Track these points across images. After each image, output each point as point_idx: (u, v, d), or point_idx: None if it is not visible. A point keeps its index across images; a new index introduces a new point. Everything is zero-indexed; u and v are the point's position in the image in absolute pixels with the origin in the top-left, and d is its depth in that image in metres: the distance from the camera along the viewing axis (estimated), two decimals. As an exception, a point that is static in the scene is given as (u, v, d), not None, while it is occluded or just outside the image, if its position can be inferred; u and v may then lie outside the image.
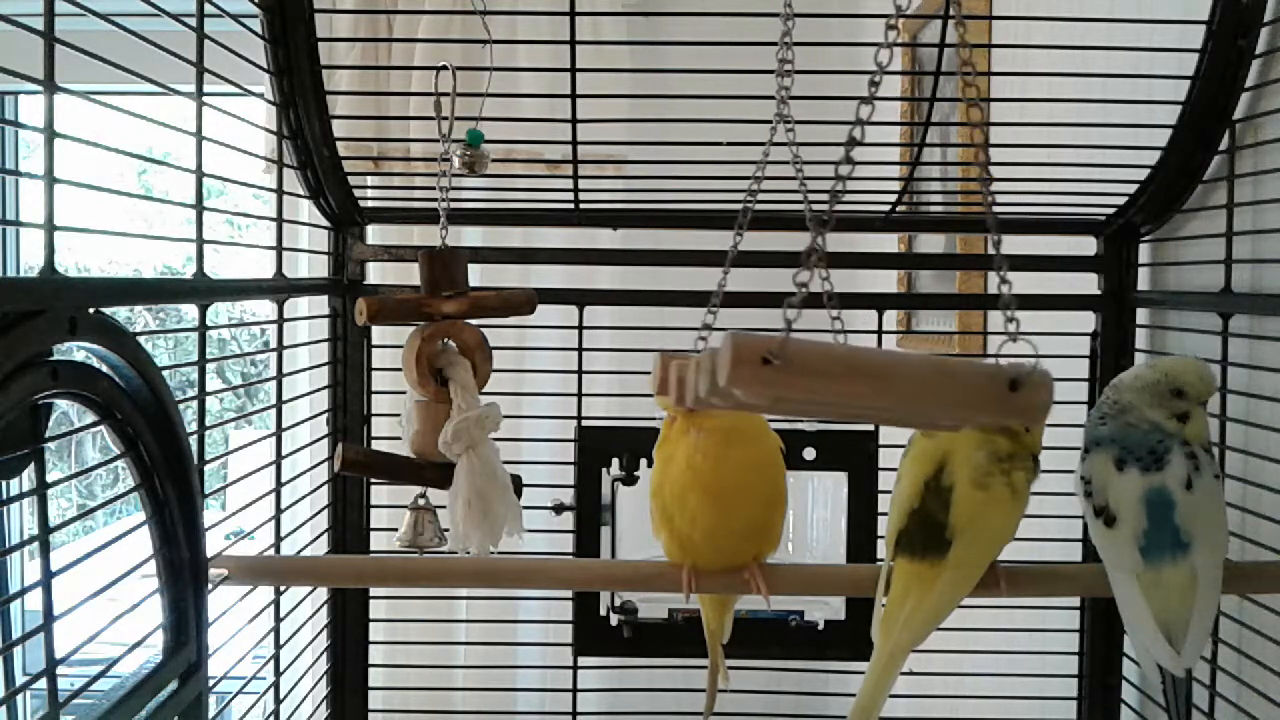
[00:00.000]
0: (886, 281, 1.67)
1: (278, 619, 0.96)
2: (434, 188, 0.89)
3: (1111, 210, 1.05)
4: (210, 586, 0.70)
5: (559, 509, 1.07)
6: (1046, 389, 0.52)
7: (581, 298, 1.11)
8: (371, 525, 1.13)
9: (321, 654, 1.11)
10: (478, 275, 1.13)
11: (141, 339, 0.62)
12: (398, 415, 0.92)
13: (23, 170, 1.75)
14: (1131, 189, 1.01)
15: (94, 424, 0.61)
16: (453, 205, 0.90)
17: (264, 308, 0.98)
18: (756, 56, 0.89)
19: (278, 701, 0.97)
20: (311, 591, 1.10)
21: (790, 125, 0.72)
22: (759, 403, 0.49)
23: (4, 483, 0.53)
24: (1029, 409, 0.51)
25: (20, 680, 0.54)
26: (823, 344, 0.50)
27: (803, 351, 0.48)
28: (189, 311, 1.05)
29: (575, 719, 1.12)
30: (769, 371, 0.47)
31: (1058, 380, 0.53)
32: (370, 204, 1.17)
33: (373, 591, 1.16)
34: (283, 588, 0.97)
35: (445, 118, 0.88)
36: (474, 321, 0.87)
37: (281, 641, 0.96)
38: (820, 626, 1.04)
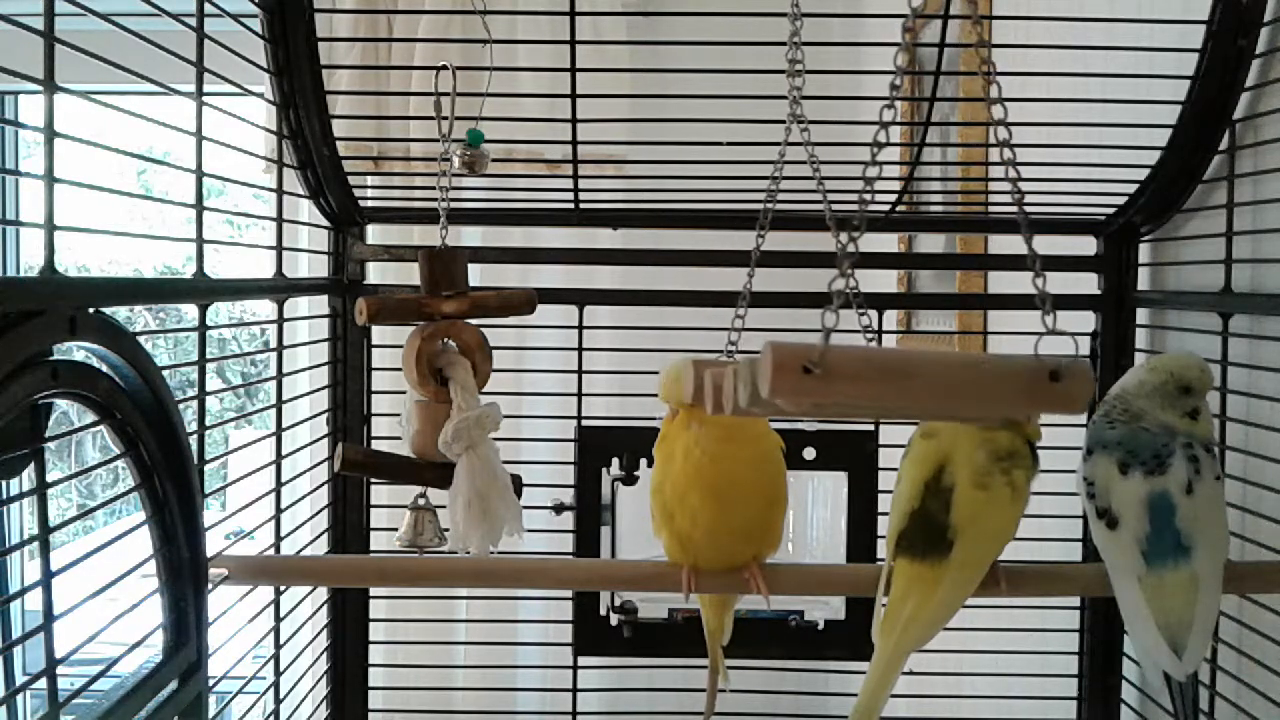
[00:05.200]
0: (886, 281, 1.67)
1: (278, 619, 0.96)
2: (434, 188, 0.89)
3: (1111, 210, 1.05)
4: (210, 586, 0.70)
5: (559, 509, 1.07)
6: (1087, 378, 0.52)
7: (581, 298, 1.11)
8: (371, 525, 1.13)
9: (321, 654, 1.11)
10: (478, 275, 1.13)
11: (141, 339, 0.62)
12: (398, 415, 0.92)
13: (23, 170, 1.75)
14: (1131, 189, 1.01)
15: (94, 424, 0.61)
16: (453, 205, 0.90)
17: (264, 308, 0.98)
18: (757, 56, 0.90)
19: (278, 701, 0.97)
20: (311, 591, 1.10)
21: (805, 125, 0.72)
22: (799, 410, 0.50)
23: (4, 483, 0.53)
24: (1071, 399, 0.52)
25: (20, 680, 0.54)
26: (861, 349, 0.50)
27: (843, 358, 0.48)
28: (189, 311, 1.05)
29: (575, 719, 1.12)
30: (810, 380, 0.47)
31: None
32: (370, 204, 1.17)
33: (373, 591, 1.16)
34: (283, 588, 0.97)
35: (445, 118, 0.88)
36: (474, 321, 0.87)
37: (281, 641, 0.96)
38: (820, 626, 1.04)
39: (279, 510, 0.97)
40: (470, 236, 1.83)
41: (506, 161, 1.81)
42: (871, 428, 1.03)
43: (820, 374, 0.47)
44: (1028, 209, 1.06)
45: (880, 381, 0.49)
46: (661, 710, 1.14)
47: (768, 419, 0.81)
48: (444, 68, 0.88)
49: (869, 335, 0.78)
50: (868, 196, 0.53)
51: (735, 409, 0.52)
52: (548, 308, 0.98)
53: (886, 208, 1.08)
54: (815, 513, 1.10)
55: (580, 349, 1.09)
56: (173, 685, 0.65)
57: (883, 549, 0.84)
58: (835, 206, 0.78)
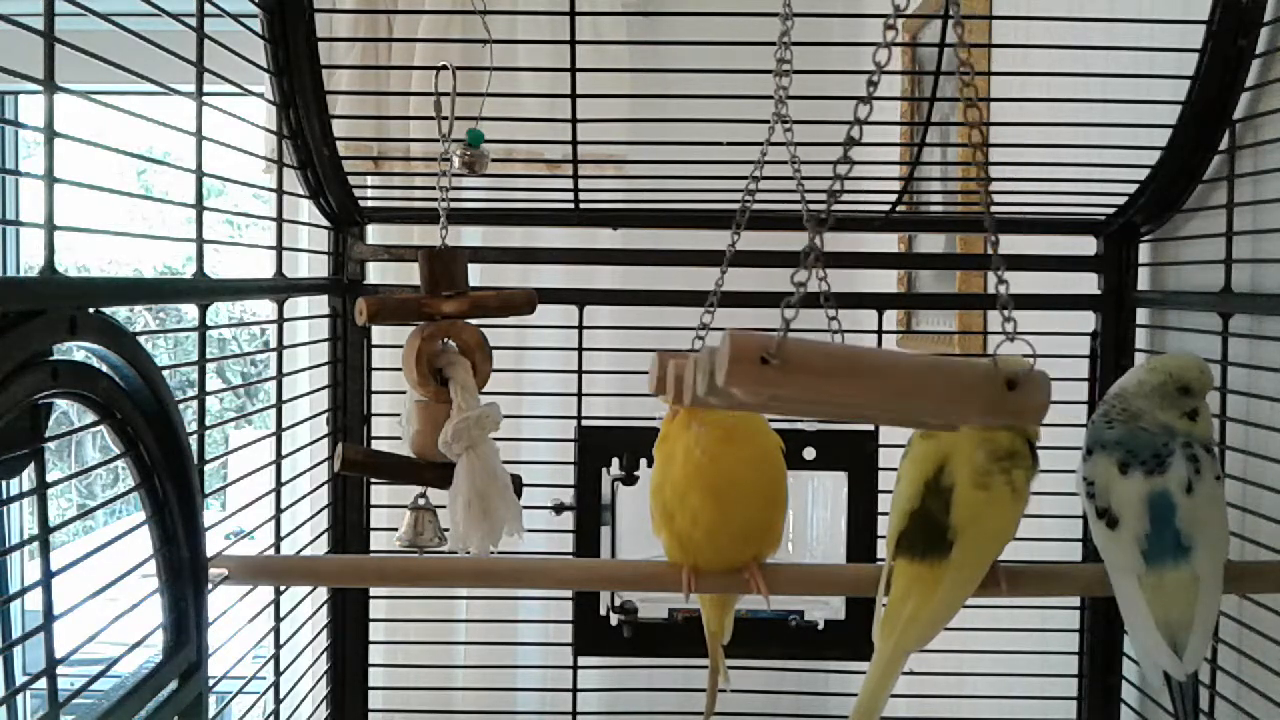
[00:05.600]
0: (886, 281, 1.67)
1: (278, 619, 0.96)
2: (434, 188, 0.89)
3: (1111, 210, 1.05)
4: (210, 586, 0.70)
5: (559, 509, 1.07)
6: (1044, 388, 0.52)
7: (581, 298, 1.11)
8: (371, 525, 1.13)
9: (321, 654, 1.11)
10: (478, 275, 1.13)
11: (141, 339, 0.62)
12: (398, 415, 0.92)
13: (23, 170, 1.75)
14: (1131, 189, 1.01)
15: (94, 424, 0.61)
16: (453, 205, 0.90)
17: (264, 308, 0.98)
18: (756, 56, 0.89)
19: (278, 701, 0.97)
20: (311, 591, 1.10)
21: (788, 125, 0.72)
22: (756, 402, 0.50)
23: (4, 483, 0.53)
24: (1027, 409, 0.52)
25: (20, 680, 0.54)
26: (820, 343, 0.50)
27: (800, 351, 0.48)
28: (189, 311, 1.05)
29: (575, 719, 1.12)
30: (767, 371, 0.47)
31: (1057, 380, 0.53)
32: (370, 204, 1.17)
33: (373, 591, 1.16)
34: (283, 588, 0.97)
35: (445, 118, 0.88)
36: (474, 321, 0.87)
37: (281, 641, 0.96)
38: (820, 626, 1.04)
39: (279, 510, 0.97)
40: (470, 236, 1.83)
41: (506, 161, 1.81)
42: (871, 428, 1.03)
43: (778, 365, 0.47)
44: (1028, 209, 1.06)
45: (839, 376, 0.49)
46: (661, 710, 1.14)
47: (767, 419, 0.81)
48: (444, 68, 0.88)
49: (836, 333, 0.77)
50: (837, 193, 0.53)
51: (694, 399, 0.52)
52: (548, 308, 0.98)
53: (886, 208, 1.08)
54: (815, 513, 1.10)
55: (580, 349, 1.09)
56: (173, 685, 0.65)
57: (883, 549, 0.84)
58: (836, 207, 0.78)
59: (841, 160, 0.53)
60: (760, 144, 0.74)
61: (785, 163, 0.76)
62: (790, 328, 0.49)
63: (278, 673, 0.96)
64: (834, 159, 0.53)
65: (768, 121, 0.73)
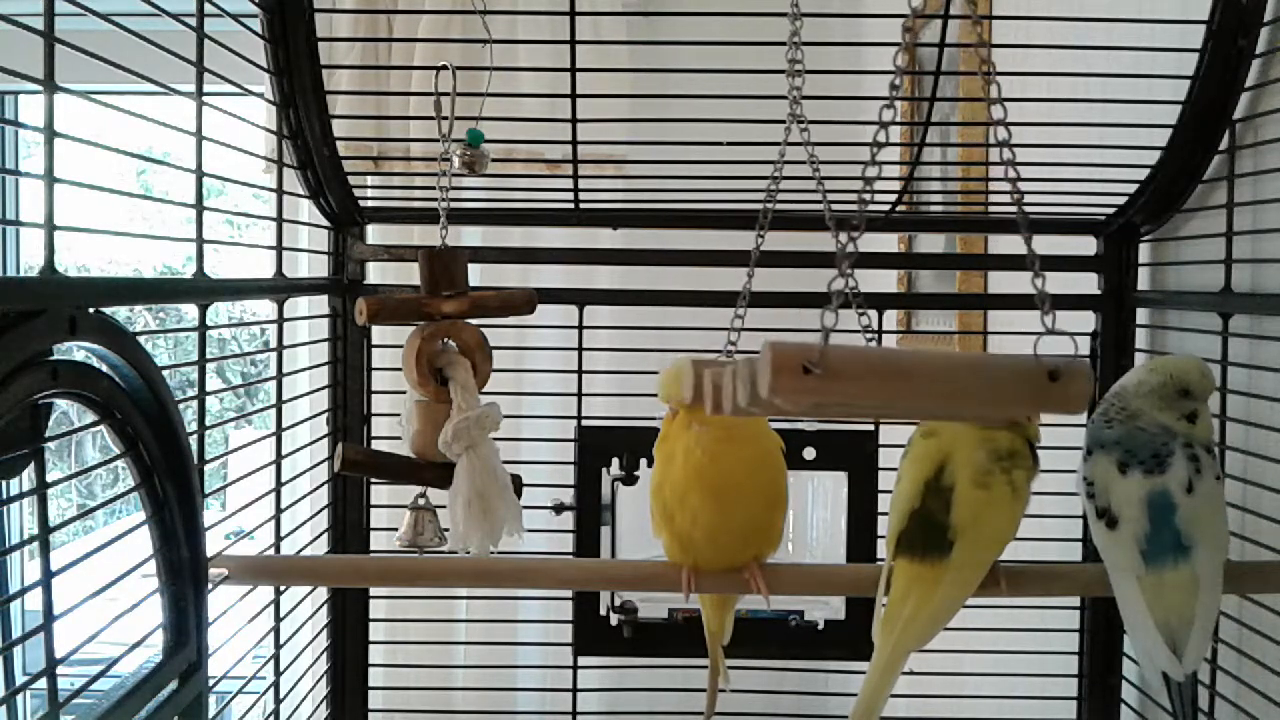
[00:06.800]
0: (886, 281, 1.67)
1: (278, 619, 0.96)
2: (434, 188, 0.89)
3: (1111, 210, 1.05)
4: (210, 586, 0.70)
5: (559, 509, 1.07)
6: (1086, 378, 0.52)
7: (581, 298, 1.11)
8: (371, 525, 1.13)
9: (321, 654, 1.11)
10: (478, 275, 1.13)
11: (141, 339, 0.62)
12: (398, 415, 0.92)
13: (23, 170, 1.75)
14: (1131, 189, 1.01)
15: (94, 424, 0.61)
16: (453, 205, 0.90)
17: (264, 307, 0.98)
18: (757, 56, 0.90)
19: (278, 701, 0.97)
20: (311, 591, 1.10)
21: (804, 125, 0.72)
22: (798, 410, 0.50)
23: (4, 483, 0.53)
24: (1070, 398, 0.52)
25: (20, 680, 0.54)
26: (861, 349, 0.50)
27: (842, 358, 0.48)
28: (189, 311, 1.05)
29: (575, 719, 1.12)
30: (810, 380, 0.47)
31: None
32: (370, 204, 1.17)
33: (373, 591, 1.16)
34: (283, 588, 0.97)
35: (445, 118, 0.88)
36: (474, 321, 0.87)
37: (281, 641, 0.96)
38: (820, 626, 1.04)
39: (279, 510, 0.97)
40: (470, 236, 1.83)
41: (506, 161, 1.81)
42: (871, 428, 1.03)
43: (820, 374, 0.47)
44: (1028, 209, 1.06)
45: (880, 381, 0.49)
46: (661, 710, 1.14)
47: (767, 419, 0.81)
48: (444, 68, 0.88)
49: (869, 335, 0.78)
50: (867, 196, 0.53)
51: (735, 409, 0.52)
52: (548, 308, 0.98)
53: (886, 208, 1.08)
54: (815, 513, 1.10)
55: (580, 349, 1.09)
56: (173, 685, 0.65)
57: (883, 549, 0.84)
58: (836, 206, 0.78)
59: (870, 163, 0.53)
60: (760, 144, 0.74)
61: (798, 163, 0.76)
62: (804, 329, 0.49)
63: (278, 673, 0.96)
64: (839, 159, 0.53)
65: (768, 121, 0.73)
